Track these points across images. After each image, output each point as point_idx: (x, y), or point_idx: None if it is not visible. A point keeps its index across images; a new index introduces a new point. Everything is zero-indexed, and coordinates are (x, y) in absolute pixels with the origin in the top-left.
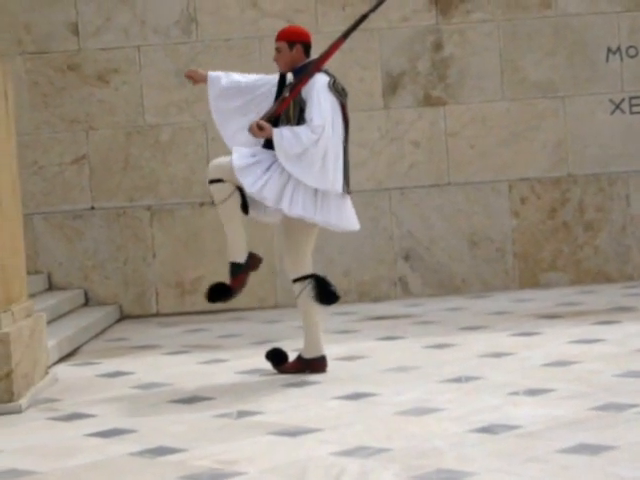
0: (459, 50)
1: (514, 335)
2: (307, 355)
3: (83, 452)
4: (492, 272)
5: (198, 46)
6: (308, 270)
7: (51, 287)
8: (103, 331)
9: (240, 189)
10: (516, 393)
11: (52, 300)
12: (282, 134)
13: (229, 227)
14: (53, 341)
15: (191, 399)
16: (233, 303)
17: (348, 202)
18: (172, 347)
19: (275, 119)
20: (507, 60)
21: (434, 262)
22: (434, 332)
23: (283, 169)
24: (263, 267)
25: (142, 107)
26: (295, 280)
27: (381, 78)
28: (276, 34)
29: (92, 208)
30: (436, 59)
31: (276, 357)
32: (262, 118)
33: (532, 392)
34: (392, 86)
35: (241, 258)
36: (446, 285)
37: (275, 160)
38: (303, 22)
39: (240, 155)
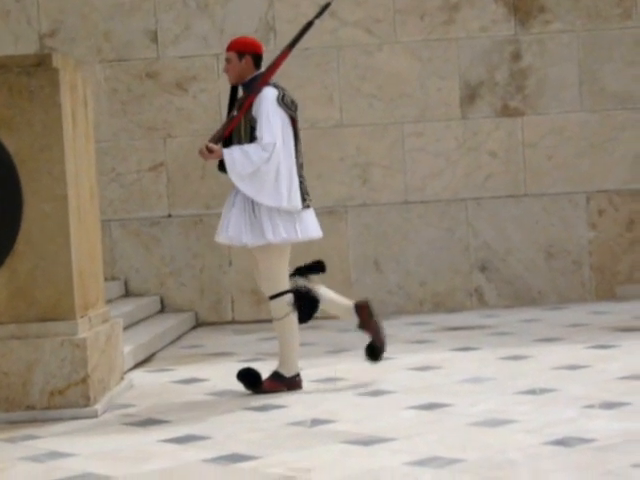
0: (538, 60)
1: (590, 348)
2: (286, 373)
3: (157, 458)
4: (568, 284)
5: (276, 54)
6: (284, 286)
7: (127, 293)
8: (179, 338)
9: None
10: (592, 406)
11: (128, 306)
12: (233, 155)
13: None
14: (129, 347)
15: (265, 407)
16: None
17: (305, 213)
18: (247, 355)
19: (228, 138)
20: (586, 71)
21: (510, 273)
22: (509, 343)
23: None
24: (339, 276)
25: (220, 115)
26: (272, 297)
27: (459, 88)
28: (227, 44)
29: (169, 215)
30: (514, 69)
31: (249, 378)
32: (211, 140)
33: (608, 405)
34: (470, 96)
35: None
36: (522, 296)
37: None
38: (382, 31)
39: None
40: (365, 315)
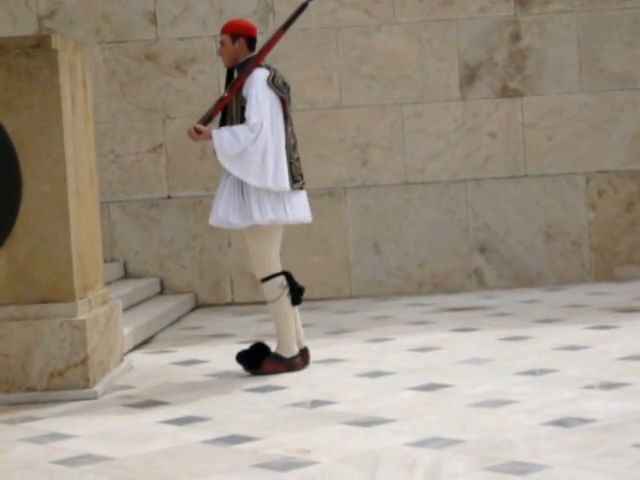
0: (537, 41)
1: (590, 328)
2: (285, 354)
3: (157, 439)
4: (568, 265)
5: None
6: (276, 269)
7: (127, 275)
8: (178, 319)
9: (290, 283)
10: (591, 387)
11: (128, 288)
12: (221, 136)
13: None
14: (128, 329)
15: (265, 388)
16: (308, 293)
17: (296, 196)
18: (247, 336)
19: (221, 118)
20: (586, 51)
21: (509, 254)
22: (509, 324)
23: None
24: (338, 257)
25: (219, 96)
26: (264, 280)
27: (458, 69)
28: (222, 27)
29: (168, 197)
30: (514, 50)
31: (249, 359)
32: (200, 121)
33: (607, 386)
34: (469, 77)
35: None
36: (521, 277)
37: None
38: (381, 12)
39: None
40: (299, 364)
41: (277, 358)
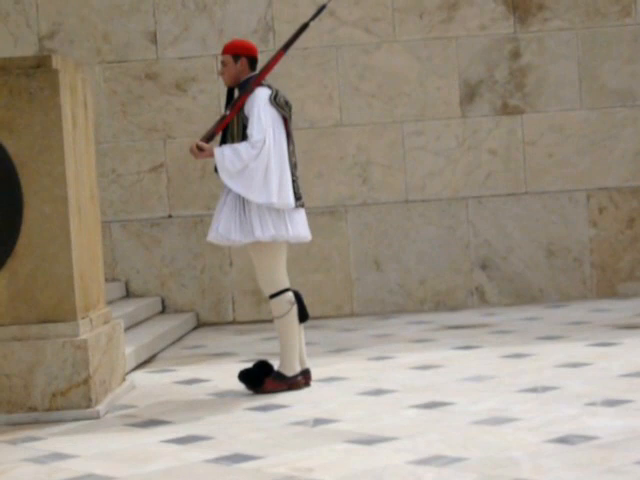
0: (537, 58)
1: (591, 345)
2: (287, 373)
3: (160, 458)
4: (569, 282)
5: (271, 56)
6: (285, 284)
7: (128, 294)
8: (180, 338)
9: (298, 300)
10: (593, 404)
11: (129, 307)
12: (223, 153)
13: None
14: (130, 348)
15: (267, 407)
16: (309, 311)
17: (296, 213)
18: (248, 355)
19: (222, 137)
20: (585, 68)
21: (511, 271)
22: (511, 342)
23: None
24: (339, 275)
25: (219, 116)
26: (272, 296)
27: (458, 86)
28: (222, 48)
29: (169, 216)
30: (514, 67)
31: (251, 378)
32: (202, 139)
33: (610, 403)
34: (469, 94)
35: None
36: (523, 294)
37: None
38: (380, 30)
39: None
40: (300, 383)
41: (279, 377)
